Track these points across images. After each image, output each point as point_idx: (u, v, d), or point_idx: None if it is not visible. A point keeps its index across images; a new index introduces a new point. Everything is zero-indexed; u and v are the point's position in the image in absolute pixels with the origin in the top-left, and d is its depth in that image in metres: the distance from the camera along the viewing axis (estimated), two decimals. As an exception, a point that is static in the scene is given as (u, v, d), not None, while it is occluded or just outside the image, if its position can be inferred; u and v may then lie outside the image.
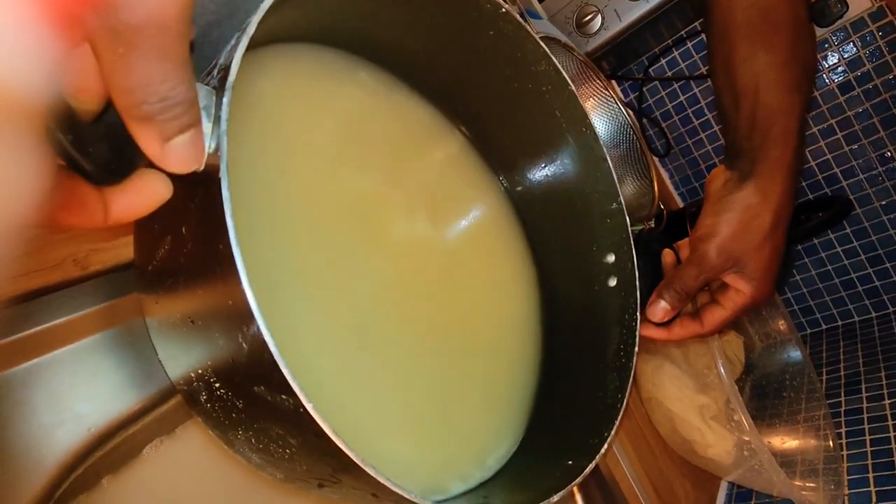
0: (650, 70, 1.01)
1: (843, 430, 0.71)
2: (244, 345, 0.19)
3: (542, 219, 0.44)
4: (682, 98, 1.01)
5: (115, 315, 0.31)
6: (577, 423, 0.36)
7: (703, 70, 0.97)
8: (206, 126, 0.20)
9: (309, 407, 0.18)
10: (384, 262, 0.35)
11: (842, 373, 0.84)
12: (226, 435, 0.25)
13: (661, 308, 0.45)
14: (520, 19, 0.34)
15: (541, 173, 0.42)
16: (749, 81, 0.43)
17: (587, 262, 0.41)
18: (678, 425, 0.59)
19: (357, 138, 0.36)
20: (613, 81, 1.03)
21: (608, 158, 0.38)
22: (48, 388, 0.28)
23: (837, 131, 0.92)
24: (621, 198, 0.38)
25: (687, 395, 0.58)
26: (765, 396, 0.75)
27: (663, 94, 1.02)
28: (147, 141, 0.18)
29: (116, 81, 0.16)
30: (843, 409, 0.75)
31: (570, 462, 0.32)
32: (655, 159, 1.06)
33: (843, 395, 0.78)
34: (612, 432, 0.33)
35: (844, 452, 0.66)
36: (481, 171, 0.44)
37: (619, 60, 0.99)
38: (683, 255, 0.54)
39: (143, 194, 0.19)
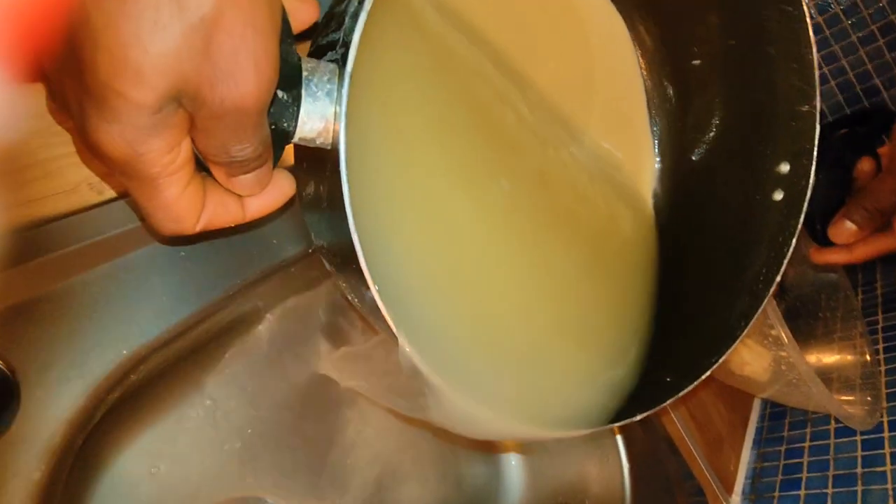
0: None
1: (880, 346, 0.69)
2: (366, 299, 0.22)
3: (717, 104, 0.38)
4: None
5: (137, 239, 0.31)
6: (692, 342, 0.34)
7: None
8: (329, 108, 0.22)
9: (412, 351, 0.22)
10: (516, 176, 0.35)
11: (878, 291, 0.82)
12: None
13: (846, 230, 0.40)
14: None
15: (726, 47, 0.37)
16: None
17: (756, 167, 0.35)
18: (711, 345, 0.58)
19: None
20: None
21: (814, 49, 0.32)
22: (88, 304, 0.28)
23: (879, 38, 0.87)
24: (818, 101, 0.33)
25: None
26: (798, 317, 0.74)
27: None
28: (217, 175, 0.23)
29: (200, 140, 0.21)
30: (880, 325, 0.73)
31: (669, 379, 0.30)
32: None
33: (880, 312, 0.77)
34: (721, 359, 0.30)
35: (882, 368, 0.64)
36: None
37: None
38: (885, 165, 0.47)
39: (271, 194, 0.25)
